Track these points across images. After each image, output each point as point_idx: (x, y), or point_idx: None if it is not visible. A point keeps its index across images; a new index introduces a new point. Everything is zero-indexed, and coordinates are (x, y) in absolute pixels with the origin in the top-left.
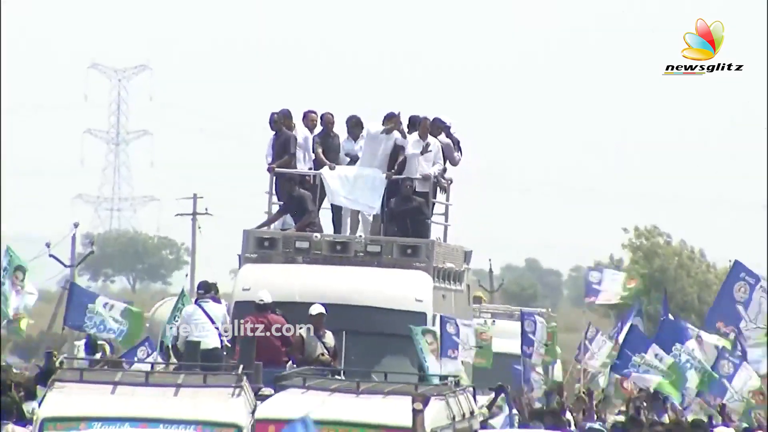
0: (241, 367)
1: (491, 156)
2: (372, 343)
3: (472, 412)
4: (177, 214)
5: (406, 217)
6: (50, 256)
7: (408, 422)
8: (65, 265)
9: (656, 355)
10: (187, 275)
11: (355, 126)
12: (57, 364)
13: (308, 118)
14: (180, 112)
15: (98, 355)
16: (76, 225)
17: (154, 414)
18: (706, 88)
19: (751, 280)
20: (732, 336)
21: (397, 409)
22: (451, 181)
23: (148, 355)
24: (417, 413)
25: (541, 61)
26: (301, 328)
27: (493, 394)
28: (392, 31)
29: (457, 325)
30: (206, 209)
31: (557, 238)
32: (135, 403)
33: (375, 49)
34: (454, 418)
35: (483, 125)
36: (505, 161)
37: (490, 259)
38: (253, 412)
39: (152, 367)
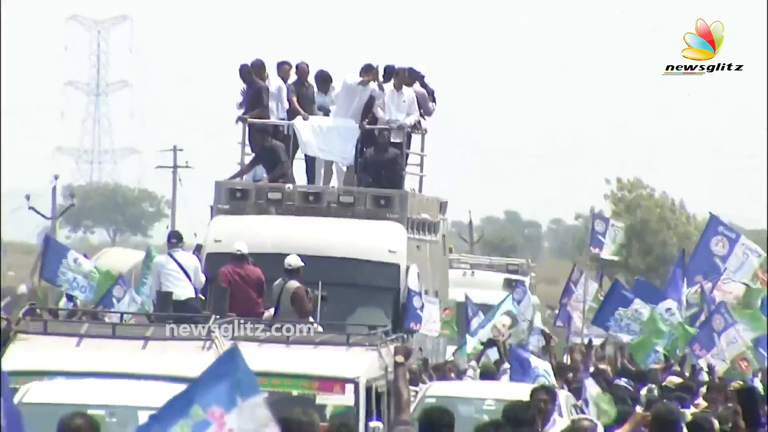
0: (213, 318)
1: (474, 117)
2: (346, 295)
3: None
4: (157, 167)
5: (381, 167)
6: (30, 208)
7: (338, 372)
8: (45, 218)
9: (636, 311)
10: (167, 227)
11: (324, 81)
12: (20, 315)
13: (282, 70)
14: (160, 63)
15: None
16: (56, 177)
17: (120, 368)
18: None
19: (731, 234)
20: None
21: (327, 359)
22: (426, 131)
23: (125, 293)
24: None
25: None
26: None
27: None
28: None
29: (422, 301)
30: (186, 162)
31: (538, 190)
32: (101, 357)
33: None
34: (386, 368)
35: (469, 83)
36: (492, 123)
37: (470, 211)
38: None
39: (121, 318)
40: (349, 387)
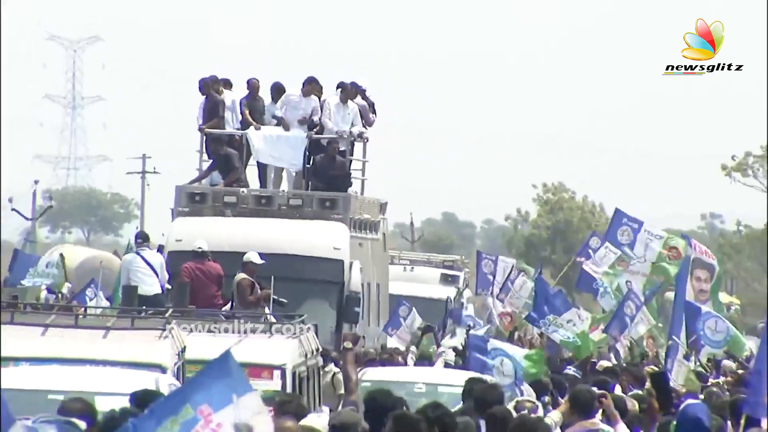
0: (171, 310)
1: (416, 126)
2: (295, 288)
3: (317, 349)
4: (128, 173)
5: (331, 173)
6: (13, 210)
7: (266, 359)
8: (26, 218)
9: (569, 321)
10: (137, 228)
11: (277, 91)
12: None
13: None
14: (130, 79)
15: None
16: (36, 182)
17: (81, 355)
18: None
19: (634, 225)
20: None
21: (254, 347)
22: (368, 140)
23: (96, 295)
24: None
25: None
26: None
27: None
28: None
29: (409, 310)
30: (154, 168)
31: (473, 193)
32: (64, 345)
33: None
34: (306, 355)
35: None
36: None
37: (411, 213)
38: (179, 354)
39: (85, 310)
40: (277, 373)
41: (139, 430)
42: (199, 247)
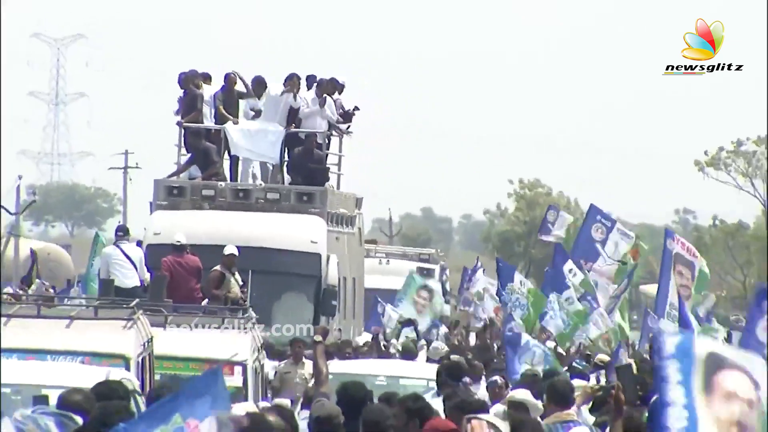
0: (136, 300)
1: (395, 123)
2: (273, 282)
3: (262, 344)
4: (110, 168)
5: (310, 168)
6: None
7: (227, 355)
8: (11, 213)
9: (521, 282)
10: (119, 222)
11: (258, 85)
12: None
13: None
14: (112, 76)
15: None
16: (20, 177)
17: (43, 345)
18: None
19: (607, 222)
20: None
21: (210, 342)
22: (344, 135)
23: (79, 293)
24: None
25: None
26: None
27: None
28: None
29: (383, 306)
30: (137, 163)
31: (451, 188)
32: (25, 336)
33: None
34: (258, 349)
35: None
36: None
37: (389, 208)
38: (144, 345)
39: (52, 300)
40: (238, 369)
41: None
42: (178, 241)
